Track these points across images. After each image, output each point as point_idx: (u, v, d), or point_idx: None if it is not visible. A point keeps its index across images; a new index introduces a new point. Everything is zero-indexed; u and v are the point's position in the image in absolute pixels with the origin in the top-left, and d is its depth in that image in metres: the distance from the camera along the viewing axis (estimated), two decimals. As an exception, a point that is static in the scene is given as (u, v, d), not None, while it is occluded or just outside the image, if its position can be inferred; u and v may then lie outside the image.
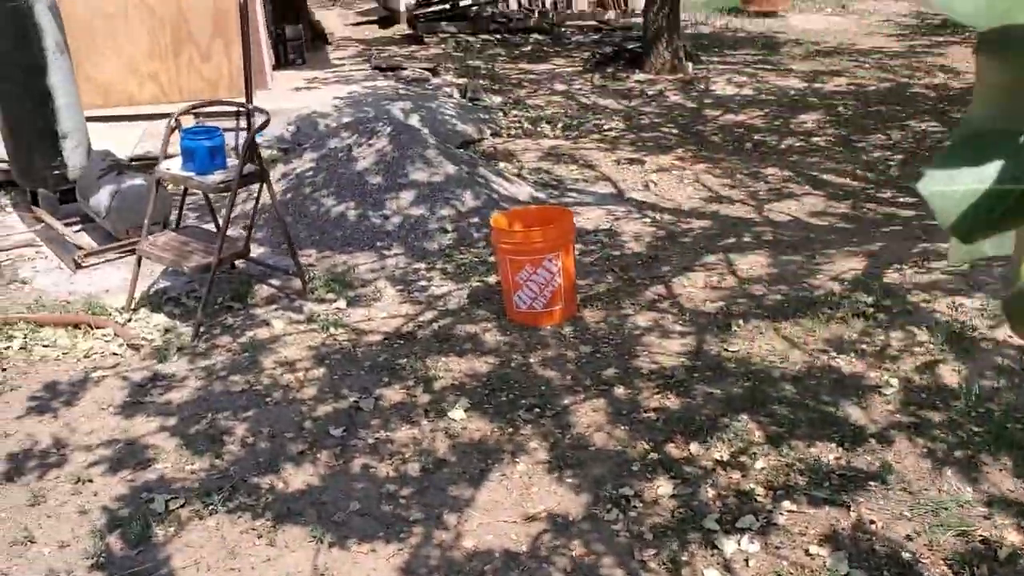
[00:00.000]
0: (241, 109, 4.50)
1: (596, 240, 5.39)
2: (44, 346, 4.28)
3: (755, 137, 7.69)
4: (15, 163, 5.72)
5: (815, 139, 7.57)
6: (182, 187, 4.89)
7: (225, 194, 4.44)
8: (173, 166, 4.46)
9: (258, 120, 4.35)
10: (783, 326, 4.09)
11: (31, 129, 5.51)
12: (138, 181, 5.32)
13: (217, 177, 4.34)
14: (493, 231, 4.37)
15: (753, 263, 4.88)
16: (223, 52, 7.97)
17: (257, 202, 4.75)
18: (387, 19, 14.09)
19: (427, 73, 9.59)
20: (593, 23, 13.12)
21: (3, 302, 4.77)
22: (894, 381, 3.58)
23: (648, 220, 5.73)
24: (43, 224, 5.67)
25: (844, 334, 3.97)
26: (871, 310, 4.13)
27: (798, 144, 7.45)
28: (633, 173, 6.73)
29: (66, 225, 5.61)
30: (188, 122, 4.89)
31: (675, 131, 7.95)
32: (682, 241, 5.35)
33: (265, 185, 4.53)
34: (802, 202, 6.03)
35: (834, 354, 3.83)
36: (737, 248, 5.16)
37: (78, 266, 5.15)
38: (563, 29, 12.96)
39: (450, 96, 8.77)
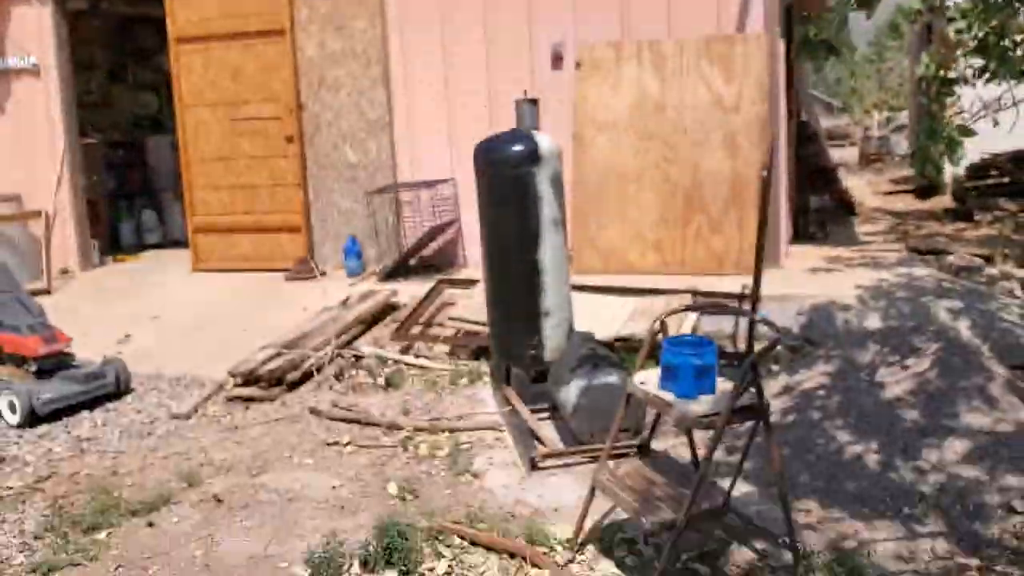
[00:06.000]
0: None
1: None
2: (470, 579, 3.53)
3: None
4: (495, 334, 5.31)
5: None
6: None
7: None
8: (649, 381, 3.51)
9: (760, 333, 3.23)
10: None
11: (515, 300, 5.04)
12: (612, 379, 4.53)
13: (700, 407, 3.28)
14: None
15: None
16: (735, 224, 7.11)
17: (749, 443, 3.60)
18: (927, 189, 12.36)
19: (979, 260, 7.77)
20: None
21: (448, 499, 4.20)
22: None
23: None
24: (510, 407, 5.12)
25: None
26: None
27: None
28: None
29: (533, 412, 4.99)
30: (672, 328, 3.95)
31: None
32: None
33: (762, 423, 3.38)
34: None
35: None
36: None
37: (534, 466, 4.45)
38: None
39: (1011, 292, 6.91)
